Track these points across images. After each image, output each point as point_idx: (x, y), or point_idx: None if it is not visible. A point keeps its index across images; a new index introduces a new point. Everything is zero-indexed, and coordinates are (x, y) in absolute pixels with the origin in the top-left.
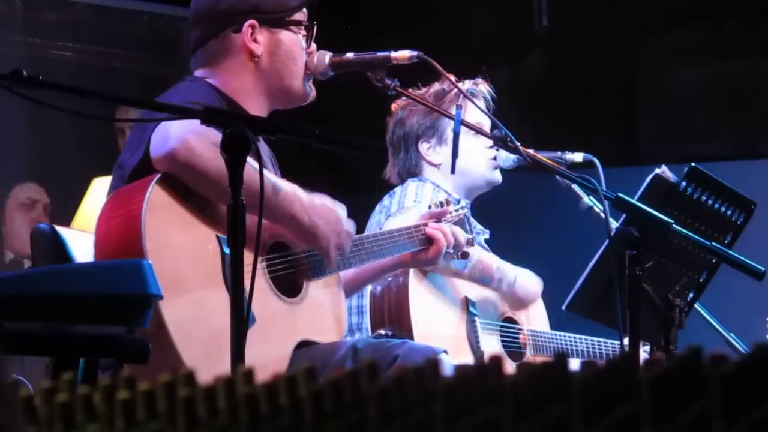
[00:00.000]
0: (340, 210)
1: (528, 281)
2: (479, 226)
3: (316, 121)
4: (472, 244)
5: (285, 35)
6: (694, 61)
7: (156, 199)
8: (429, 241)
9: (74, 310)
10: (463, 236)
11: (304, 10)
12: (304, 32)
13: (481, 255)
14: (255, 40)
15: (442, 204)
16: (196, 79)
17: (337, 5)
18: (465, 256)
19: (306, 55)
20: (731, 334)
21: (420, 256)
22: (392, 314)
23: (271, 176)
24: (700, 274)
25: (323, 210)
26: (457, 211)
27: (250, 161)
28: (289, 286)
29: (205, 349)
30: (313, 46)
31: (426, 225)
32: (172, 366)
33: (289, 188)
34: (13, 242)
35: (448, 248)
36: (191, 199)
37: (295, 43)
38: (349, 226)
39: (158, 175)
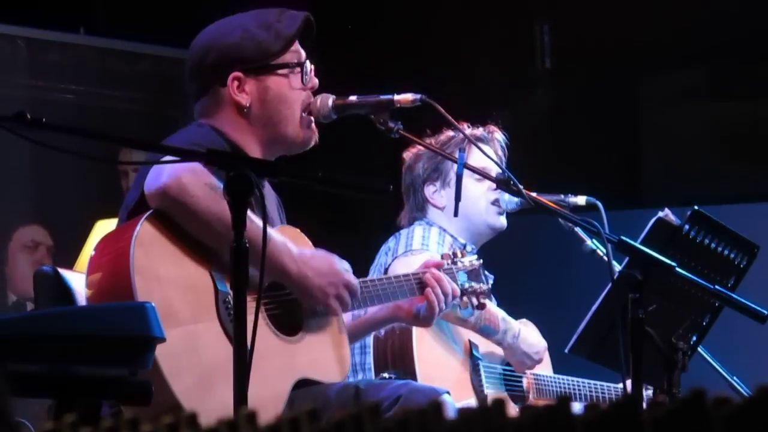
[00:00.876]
0: (338, 262)
1: (533, 337)
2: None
3: (320, 163)
4: (488, 296)
5: (272, 81)
6: (696, 103)
7: (145, 234)
8: (422, 289)
9: (77, 352)
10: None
11: (299, 49)
12: (298, 71)
13: (488, 305)
14: (243, 91)
15: (455, 254)
16: (202, 125)
17: (339, 48)
18: (482, 307)
19: (304, 93)
20: (734, 377)
21: (416, 311)
22: (396, 357)
23: (260, 225)
24: (703, 317)
25: (316, 261)
26: (471, 261)
27: (249, 214)
28: (287, 324)
29: (195, 382)
30: (315, 81)
31: (425, 273)
32: (164, 399)
33: (279, 239)
34: (17, 284)
35: (439, 302)
36: (182, 235)
37: (284, 86)
38: (350, 278)
39: (148, 212)
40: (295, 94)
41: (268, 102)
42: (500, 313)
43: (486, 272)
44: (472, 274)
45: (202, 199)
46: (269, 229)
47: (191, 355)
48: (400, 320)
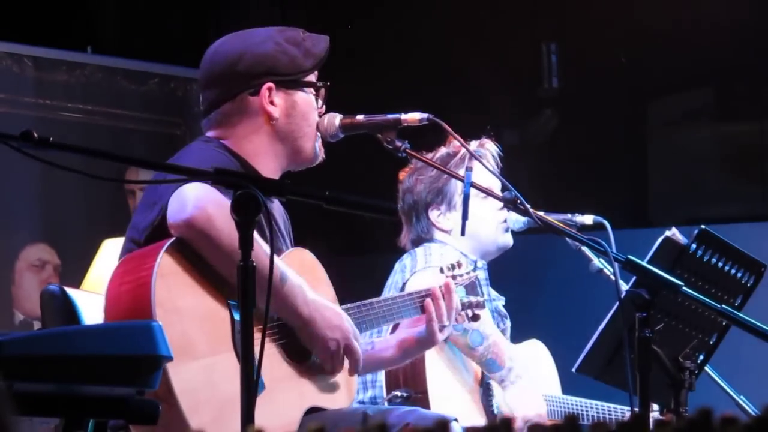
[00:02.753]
0: (347, 321)
1: (535, 394)
2: (495, 293)
3: (327, 182)
4: (483, 307)
5: (300, 96)
6: (703, 122)
7: (166, 265)
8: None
9: (84, 371)
10: (457, 303)
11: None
12: (314, 92)
13: (498, 339)
14: (272, 102)
15: (453, 266)
16: (210, 140)
17: (347, 67)
18: (476, 318)
19: (317, 116)
20: (741, 396)
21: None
22: (408, 375)
23: (282, 266)
24: (710, 336)
25: (327, 312)
26: (468, 273)
27: (262, 243)
28: (298, 350)
29: (213, 416)
30: (323, 106)
31: (426, 294)
32: (179, 430)
33: (296, 281)
34: (23, 303)
35: (440, 322)
36: (202, 265)
37: (309, 104)
38: (354, 342)
39: (169, 241)
40: (314, 113)
41: (293, 117)
42: (509, 351)
43: (492, 291)
44: (469, 287)
45: (226, 231)
46: (288, 269)
47: (209, 390)
48: (409, 353)
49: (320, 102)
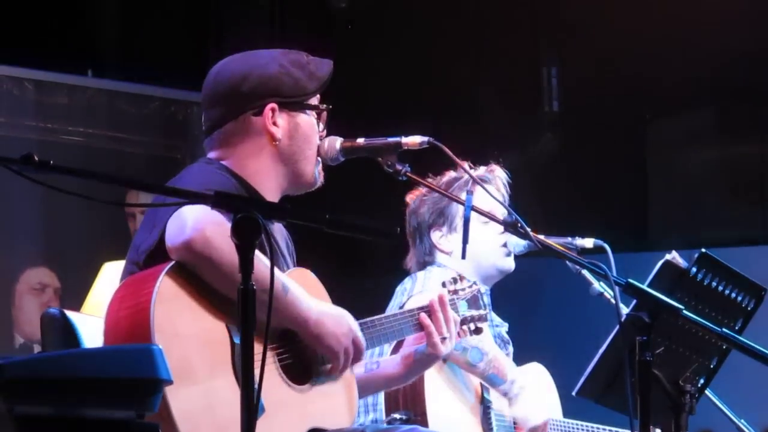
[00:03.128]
0: (350, 318)
1: (538, 393)
2: (498, 319)
3: (327, 205)
4: (485, 320)
5: (303, 119)
6: (704, 145)
7: (165, 290)
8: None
9: (84, 394)
10: (454, 316)
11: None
12: (316, 115)
13: (498, 354)
14: (275, 123)
15: (455, 280)
16: (211, 162)
17: (348, 91)
18: (479, 332)
19: (318, 138)
20: (742, 420)
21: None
22: (407, 397)
23: (282, 276)
24: (710, 359)
25: (333, 314)
26: (470, 287)
27: (262, 258)
28: (299, 372)
29: None
30: (324, 130)
31: (423, 309)
32: None
33: (298, 290)
34: (24, 326)
35: (440, 334)
36: (201, 288)
37: (311, 126)
38: (360, 335)
39: (169, 265)
40: (316, 136)
41: (296, 139)
42: (510, 365)
43: (495, 317)
44: (471, 301)
45: (226, 253)
46: (287, 279)
47: (208, 415)
48: (412, 370)
49: (321, 126)
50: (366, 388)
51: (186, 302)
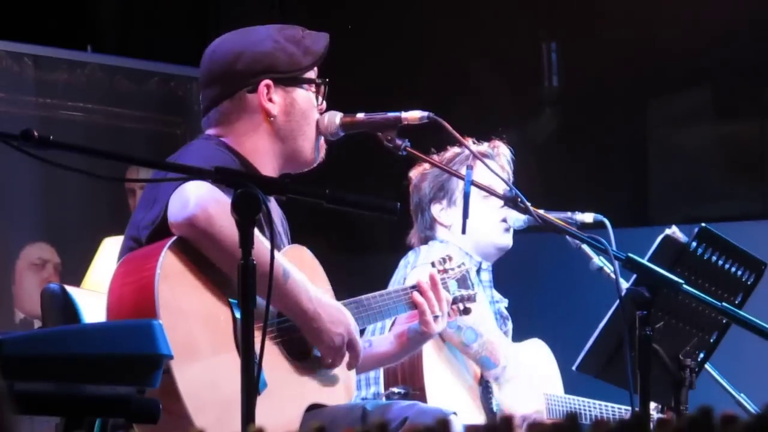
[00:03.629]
0: (350, 317)
1: (528, 393)
2: (497, 295)
3: (327, 181)
4: (474, 300)
5: (299, 94)
6: (704, 121)
7: (169, 265)
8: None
9: (84, 370)
10: (445, 294)
11: (315, 67)
12: (314, 90)
13: (494, 338)
14: (270, 100)
15: (444, 260)
16: (210, 138)
17: (349, 67)
18: (467, 312)
19: (317, 114)
20: (741, 395)
21: (415, 327)
22: (405, 373)
23: (284, 262)
24: (710, 334)
25: (331, 309)
26: (459, 267)
27: (263, 240)
28: (299, 348)
29: (217, 416)
30: (323, 104)
31: (414, 289)
32: (185, 430)
33: (299, 277)
34: (24, 302)
35: (432, 312)
36: (203, 264)
37: (308, 102)
38: (357, 336)
39: (171, 240)
40: (314, 112)
41: (292, 115)
42: (504, 349)
43: (495, 293)
44: (461, 281)
45: (227, 229)
46: (289, 265)
47: (213, 391)
48: (406, 348)
49: (320, 99)
50: (360, 366)
51: (188, 278)
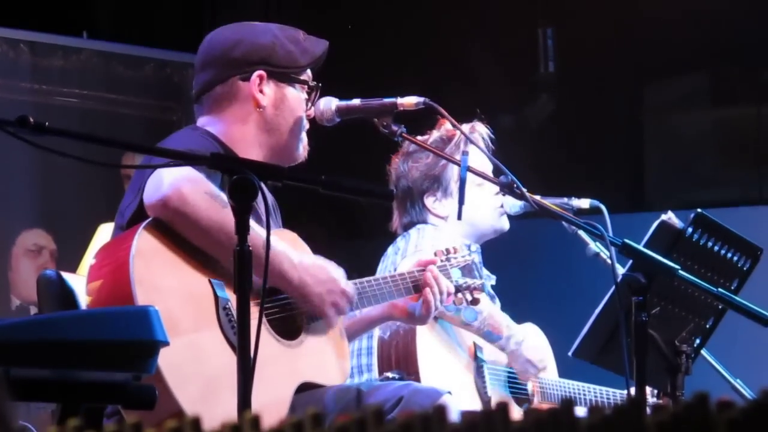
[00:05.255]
0: (335, 270)
1: (538, 345)
2: (486, 272)
3: (322, 167)
4: (482, 290)
5: (290, 91)
6: (700, 106)
7: (144, 245)
8: (417, 288)
9: (81, 357)
10: (447, 286)
11: (310, 74)
12: (306, 94)
13: (492, 311)
14: (261, 91)
15: (448, 250)
16: (196, 128)
17: (343, 52)
18: (476, 302)
19: (305, 116)
20: (738, 380)
21: (411, 309)
22: (400, 357)
23: (263, 234)
24: (706, 320)
25: (315, 269)
26: (464, 257)
27: (252, 224)
28: (287, 328)
29: (201, 391)
30: (312, 109)
31: (423, 272)
32: (168, 409)
33: (279, 247)
34: (20, 289)
35: (436, 300)
36: (181, 243)
37: (298, 101)
38: (347, 286)
39: (146, 221)
40: (302, 112)
41: (281, 110)
42: (505, 320)
43: (483, 270)
44: (466, 270)
45: (202, 209)
46: (272, 238)
47: (194, 365)
48: (395, 318)
49: (309, 104)
50: (350, 335)
51: (165, 257)
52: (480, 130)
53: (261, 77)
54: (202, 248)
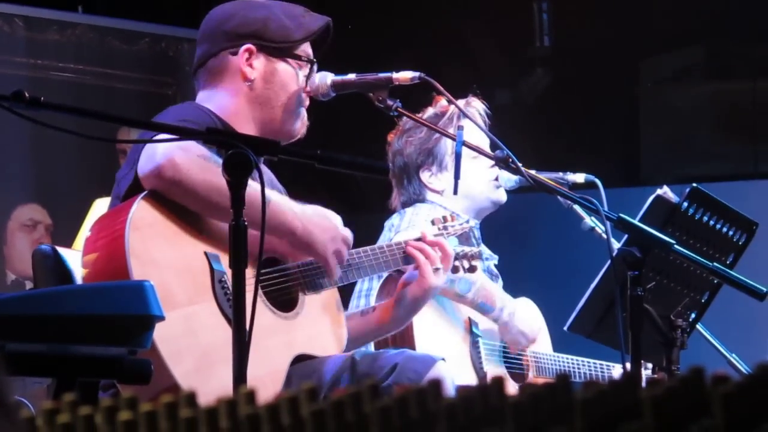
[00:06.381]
0: (335, 218)
1: (529, 317)
2: (488, 252)
3: (319, 142)
4: (479, 258)
5: (282, 66)
6: (695, 81)
7: (139, 217)
8: (411, 259)
9: (76, 331)
10: (450, 249)
11: (308, 50)
12: (305, 71)
13: (485, 282)
14: (251, 65)
15: (444, 218)
16: (192, 103)
17: (338, 27)
18: (473, 270)
19: (303, 94)
20: (733, 355)
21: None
22: (396, 334)
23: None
24: (701, 294)
25: (317, 218)
26: (461, 224)
27: (250, 183)
28: (283, 300)
29: (195, 365)
30: (313, 86)
31: (407, 243)
32: (163, 382)
33: (280, 199)
34: (15, 263)
35: (432, 264)
36: (176, 215)
37: (290, 76)
38: (346, 231)
39: (142, 194)
40: (297, 87)
41: (272, 84)
42: (498, 292)
43: (485, 249)
44: (462, 238)
45: (197, 173)
46: (268, 191)
47: (189, 338)
48: (405, 298)
49: (304, 77)
50: (359, 331)
51: (161, 229)
52: (476, 106)
53: (250, 51)
54: (201, 213)
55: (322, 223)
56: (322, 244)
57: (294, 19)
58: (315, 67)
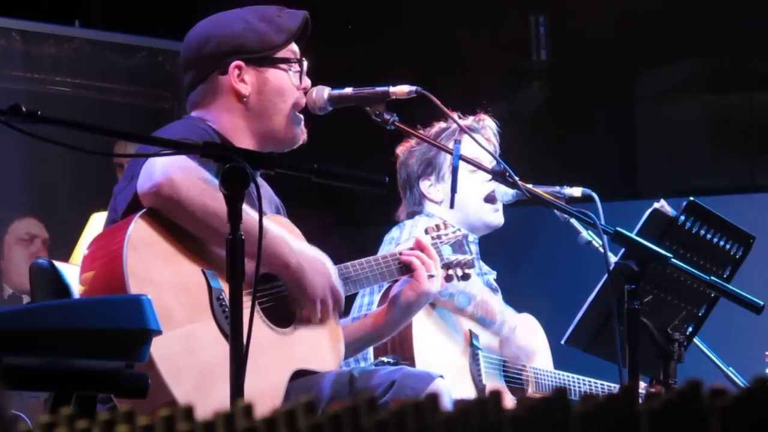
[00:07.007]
0: (329, 262)
1: (530, 333)
2: (486, 267)
3: (316, 156)
4: (472, 266)
5: (271, 73)
6: (692, 95)
7: (137, 236)
8: (407, 269)
9: (73, 345)
10: (434, 253)
11: (295, 48)
12: (297, 68)
13: (486, 296)
14: (243, 81)
15: (437, 227)
16: (191, 118)
17: (335, 40)
18: (466, 278)
19: (298, 92)
20: (730, 368)
21: (407, 291)
22: (395, 342)
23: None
24: (699, 307)
25: (313, 260)
26: (454, 232)
27: (246, 209)
28: (280, 316)
29: (196, 383)
30: (307, 82)
31: (401, 253)
32: (162, 401)
33: (277, 231)
34: (12, 277)
35: (427, 270)
36: (174, 234)
37: (282, 80)
38: (338, 284)
39: (140, 212)
40: (291, 89)
41: (265, 94)
42: (499, 306)
43: (483, 265)
44: (456, 246)
45: (195, 196)
46: (267, 221)
47: (189, 357)
48: (403, 310)
49: (295, 77)
50: (354, 336)
51: (158, 248)
52: (488, 124)
53: (239, 67)
54: (197, 234)
55: (316, 266)
56: (312, 285)
57: (271, 23)
58: (305, 63)
